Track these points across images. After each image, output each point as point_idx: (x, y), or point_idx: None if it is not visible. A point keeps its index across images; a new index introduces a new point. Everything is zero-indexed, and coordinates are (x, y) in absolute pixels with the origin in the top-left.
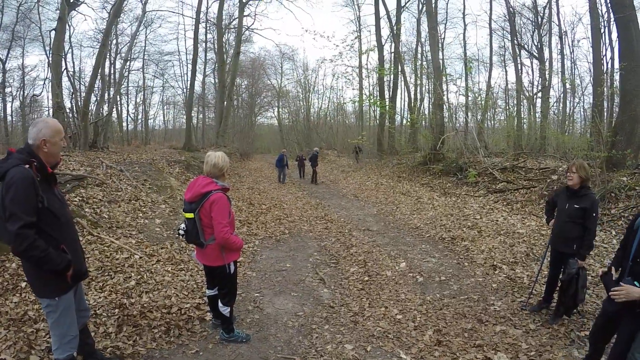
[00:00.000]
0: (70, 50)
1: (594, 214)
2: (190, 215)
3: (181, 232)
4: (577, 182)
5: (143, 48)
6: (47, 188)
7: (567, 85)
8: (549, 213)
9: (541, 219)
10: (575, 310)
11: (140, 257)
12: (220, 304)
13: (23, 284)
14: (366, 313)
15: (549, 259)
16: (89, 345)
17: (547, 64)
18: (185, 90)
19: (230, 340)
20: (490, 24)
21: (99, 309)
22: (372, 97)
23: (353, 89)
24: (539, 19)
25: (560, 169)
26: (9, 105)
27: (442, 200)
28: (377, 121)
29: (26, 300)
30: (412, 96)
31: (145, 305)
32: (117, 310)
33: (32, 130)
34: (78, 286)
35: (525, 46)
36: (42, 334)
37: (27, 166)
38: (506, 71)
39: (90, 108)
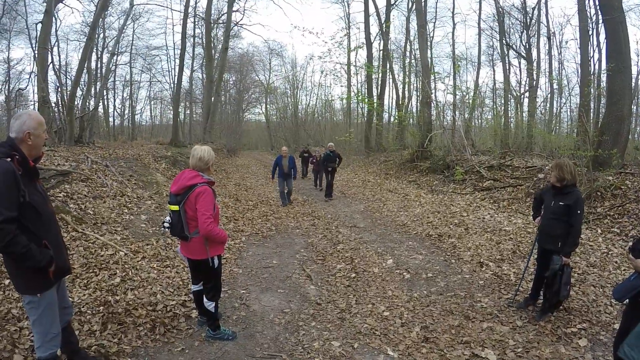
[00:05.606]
0: (56, 43)
1: (578, 211)
2: (176, 207)
3: (166, 224)
4: (554, 181)
5: (130, 42)
6: (29, 182)
7: (555, 86)
8: (536, 210)
9: (527, 216)
10: (561, 307)
11: (126, 254)
12: (205, 299)
13: (7, 282)
14: (353, 310)
15: (535, 256)
16: (73, 343)
17: (535, 64)
18: (172, 85)
19: (216, 337)
20: (479, 24)
21: (83, 307)
22: (360, 94)
23: (341, 86)
24: (528, 20)
25: (546, 167)
26: None
27: (429, 198)
28: (365, 118)
29: (9, 298)
30: (400, 94)
31: (130, 302)
32: (101, 307)
33: (15, 123)
34: (61, 283)
35: (514, 46)
36: (25, 333)
37: (8, 159)
38: (494, 70)
39: (76, 102)
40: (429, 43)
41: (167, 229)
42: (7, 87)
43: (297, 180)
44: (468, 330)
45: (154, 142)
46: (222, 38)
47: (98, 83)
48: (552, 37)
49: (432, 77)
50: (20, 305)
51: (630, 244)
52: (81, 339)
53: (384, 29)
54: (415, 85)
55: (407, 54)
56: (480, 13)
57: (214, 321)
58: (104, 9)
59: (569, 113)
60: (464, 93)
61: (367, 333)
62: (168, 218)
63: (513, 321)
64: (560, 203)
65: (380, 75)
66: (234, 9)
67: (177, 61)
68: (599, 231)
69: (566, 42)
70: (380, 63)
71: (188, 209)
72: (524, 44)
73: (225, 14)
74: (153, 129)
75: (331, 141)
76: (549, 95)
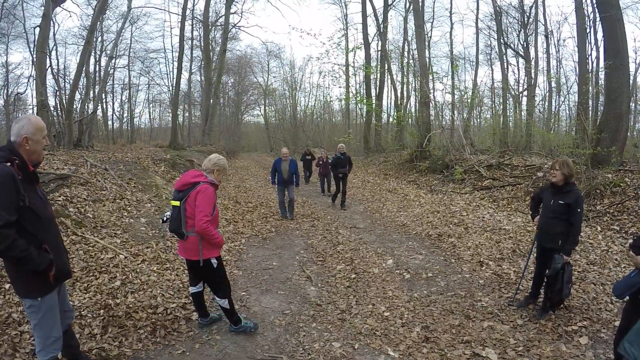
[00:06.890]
0: (54, 47)
1: (579, 210)
2: (177, 203)
3: (165, 218)
4: (561, 179)
5: (128, 45)
6: (29, 187)
7: (553, 84)
8: (534, 209)
9: (527, 215)
10: (562, 305)
11: (126, 257)
12: (217, 299)
13: (7, 286)
14: (353, 310)
15: (535, 254)
16: (74, 347)
17: (532, 62)
18: (171, 88)
19: (239, 331)
20: (477, 23)
21: (83, 310)
22: (358, 95)
23: (340, 87)
24: (525, 19)
25: (545, 166)
26: None
27: (428, 198)
28: (364, 119)
29: (10, 302)
30: (399, 94)
31: (130, 305)
32: (102, 311)
33: (14, 127)
34: (61, 286)
35: (512, 45)
36: (26, 337)
37: (8, 164)
38: (492, 70)
39: (74, 106)
40: (426, 43)
41: (165, 222)
42: (5, 91)
43: (299, 186)
44: (469, 330)
45: (153, 145)
46: (220, 40)
47: (97, 86)
48: (549, 36)
49: (431, 77)
50: (21, 309)
51: (631, 241)
52: (82, 342)
53: (381, 30)
54: (413, 85)
55: (405, 54)
56: (477, 12)
57: (232, 316)
58: (101, 13)
59: (567, 111)
60: (463, 92)
61: (367, 333)
62: (168, 212)
63: (514, 320)
64: (560, 202)
65: (378, 75)
66: (232, 11)
67: (176, 64)
68: (599, 229)
69: (564, 41)
70: (379, 63)
71: (188, 206)
72: (522, 42)
73: (223, 16)
74: (152, 131)
75: (333, 143)
76: (548, 94)
